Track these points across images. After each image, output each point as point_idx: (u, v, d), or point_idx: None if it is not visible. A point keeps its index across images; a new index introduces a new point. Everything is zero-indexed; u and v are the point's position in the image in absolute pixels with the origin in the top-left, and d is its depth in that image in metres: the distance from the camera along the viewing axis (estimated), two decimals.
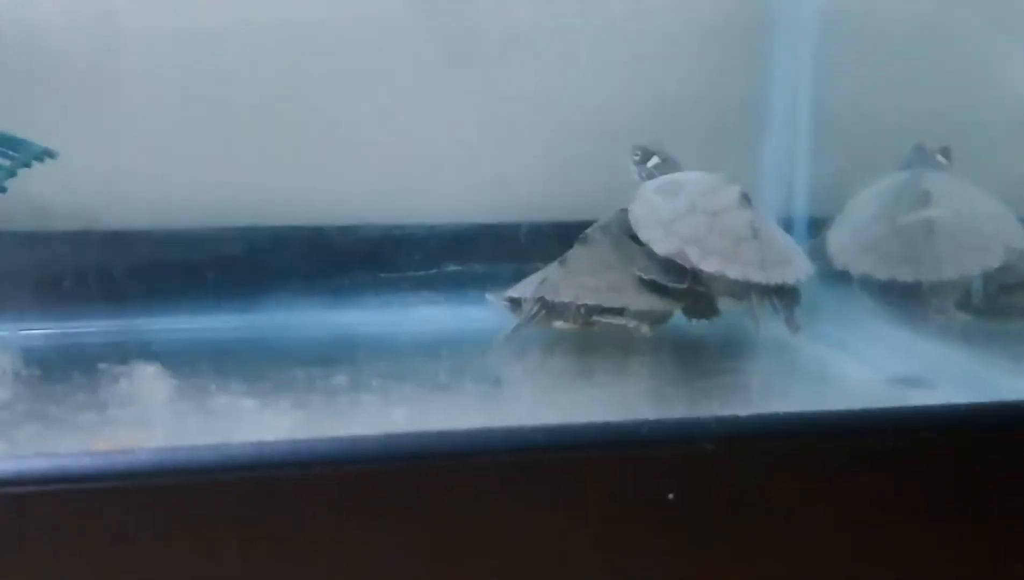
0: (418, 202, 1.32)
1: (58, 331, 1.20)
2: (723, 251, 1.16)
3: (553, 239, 1.26)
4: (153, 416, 0.96)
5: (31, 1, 1.21)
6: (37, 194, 1.16)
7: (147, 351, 1.10)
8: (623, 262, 1.19)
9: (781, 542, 0.84)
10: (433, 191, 1.32)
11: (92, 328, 1.20)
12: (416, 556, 0.79)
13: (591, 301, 1.16)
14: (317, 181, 1.31)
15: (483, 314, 1.24)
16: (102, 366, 1.05)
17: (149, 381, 1.03)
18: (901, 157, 1.33)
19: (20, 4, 1.21)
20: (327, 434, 0.79)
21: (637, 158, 1.27)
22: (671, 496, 0.82)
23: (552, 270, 1.19)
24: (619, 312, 1.16)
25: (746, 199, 1.19)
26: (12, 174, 1.11)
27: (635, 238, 1.20)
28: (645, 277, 1.17)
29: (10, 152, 1.12)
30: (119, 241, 1.23)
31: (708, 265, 1.15)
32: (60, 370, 1.06)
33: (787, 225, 1.36)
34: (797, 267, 1.18)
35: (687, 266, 1.16)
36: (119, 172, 1.24)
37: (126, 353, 1.08)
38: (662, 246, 1.17)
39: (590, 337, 1.17)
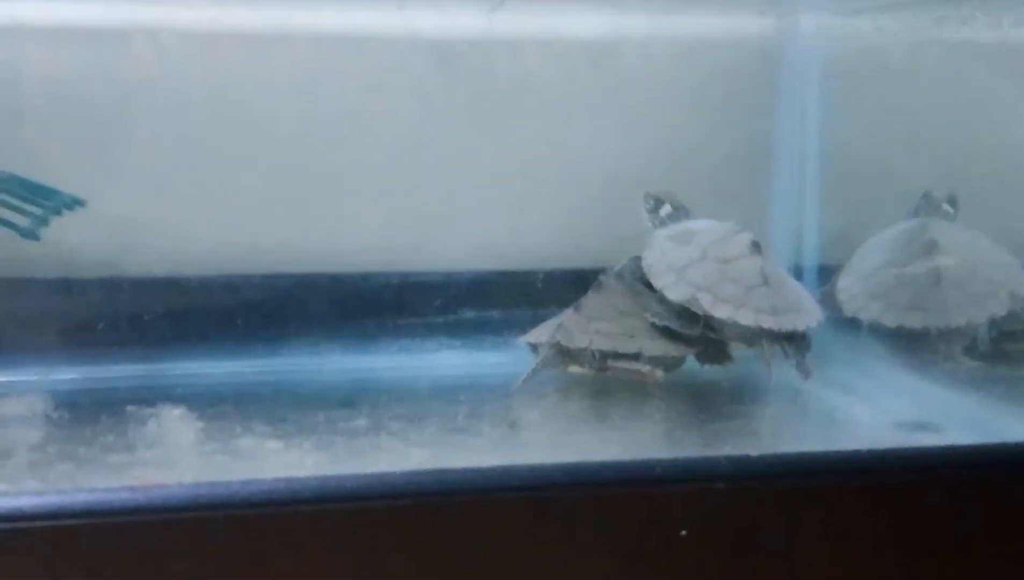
0: (435, 249, 1.33)
1: (87, 375, 1.21)
2: (735, 298, 1.16)
3: (568, 285, 1.27)
4: (180, 457, 0.97)
5: (59, 56, 1.23)
6: (65, 242, 1.19)
7: (173, 395, 1.12)
8: (637, 308, 1.20)
9: (790, 578, 0.86)
10: (450, 239, 1.34)
11: (120, 372, 1.22)
12: None
13: (606, 346, 1.17)
14: (337, 229, 1.33)
15: (500, 359, 1.26)
16: (130, 409, 1.07)
17: (176, 423, 1.04)
18: (909, 206, 1.33)
19: (49, 59, 1.23)
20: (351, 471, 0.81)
21: (649, 206, 1.28)
22: (684, 533, 0.83)
23: (567, 316, 1.19)
24: (633, 357, 1.17)
25: (757, 247, 1.19)
26: (45, 222, 1.13)
27: (648, 285, 1.20)
28: (659, 323, 1.18)
29: (42, 201, 1.14)
30: (146, 288, 1.25)
31: (720, 311, 1.16)
32: (89, 413, 1.08)
33: (797, 273, 1.37)
34: (808, 314, 1.19)
35: (699, 312, 1.17)
36: (143, 221, 1.26)
37: (153, 397, 1.11)
38: (675, 293, 1.18)
39: (605, 381, 1.18)
